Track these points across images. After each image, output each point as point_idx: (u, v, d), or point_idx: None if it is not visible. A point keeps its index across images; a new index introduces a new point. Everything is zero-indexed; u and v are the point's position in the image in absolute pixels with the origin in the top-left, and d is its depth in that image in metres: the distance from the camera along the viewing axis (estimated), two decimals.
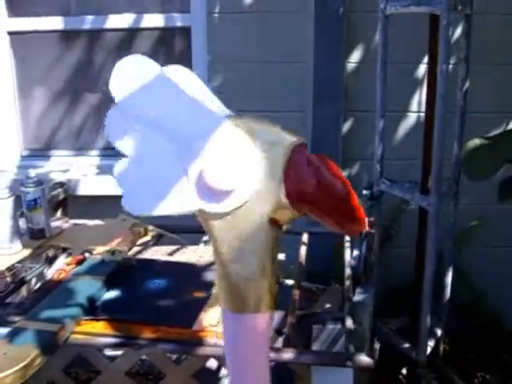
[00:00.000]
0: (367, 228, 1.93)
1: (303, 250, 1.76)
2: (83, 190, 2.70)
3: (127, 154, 0.85)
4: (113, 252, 1.67)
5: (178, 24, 2.65)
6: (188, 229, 2.03)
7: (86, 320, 1.41)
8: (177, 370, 1.50)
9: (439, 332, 2.40)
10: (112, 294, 1.52)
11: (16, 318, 1.41)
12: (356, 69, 2.56)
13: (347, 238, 1.84)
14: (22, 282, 1.71)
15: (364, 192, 2.22)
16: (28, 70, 2.81)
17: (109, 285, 1.55)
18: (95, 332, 1.36)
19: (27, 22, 2.71)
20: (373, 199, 2.23)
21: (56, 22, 2.70)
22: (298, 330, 1.40)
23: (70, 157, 2.86)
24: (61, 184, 2.43)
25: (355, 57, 2.55)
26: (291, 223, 0.91)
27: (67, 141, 2.87)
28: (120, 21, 2.68)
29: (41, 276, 1.75)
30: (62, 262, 1.79)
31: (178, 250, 1.80)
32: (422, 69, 2.51)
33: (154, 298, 1.50)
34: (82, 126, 2.85)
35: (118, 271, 1.61)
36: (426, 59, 2.21)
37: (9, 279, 1.68)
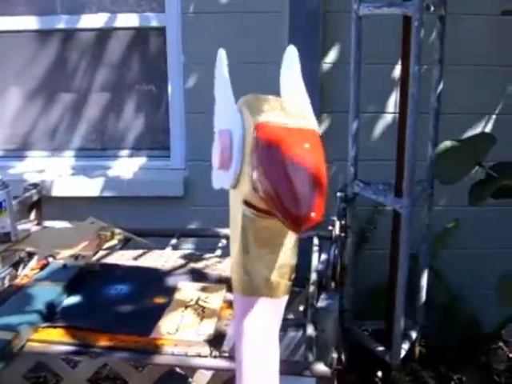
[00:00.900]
0: (337, 231, 1.92)
1: None
2: (58, 191, 2.67)
3: None
4: (76, 257, 1.65)
5: (153, 24, 2.62)
6: (156, 232, 2.02)
7: (43, 327, 1.38)
8: (139, 377, 1.48)
9: (414, 334, 2.39)
10: (72, 300, 1.50)
11: None
12: (331, 69, 2.54)
13: (315, 241, 1.82)
14: None
15: (338, 194, 2.21)
16: (1, 70, 2.78)
17: (70, 291, 1.52)
18: (51, 340, 1.34)
19: (0, 22, 2.68)
20: (347, 201, 2.22)
21: (30, 22, 2.67)
22: None
23: (44, 157, 2.83)
24: (35, 185, 2.41)
25: (331, 57, 2.53)
26: None
27: (42, 141, 2.83)
28: (94, 20, 2.65)
29: (4, 281, 1.72)
30: (27, 266, 1.76)
31: (143, 254, 1.78)
32: (399, 69, 2.49)
33: (114, 304, 1.48)
34: (57, 127, 2.82)
35: (80, 276, 1.59)
36: None
37: None
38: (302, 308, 1.77)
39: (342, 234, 1.95)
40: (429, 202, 2.30)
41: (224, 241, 1.97)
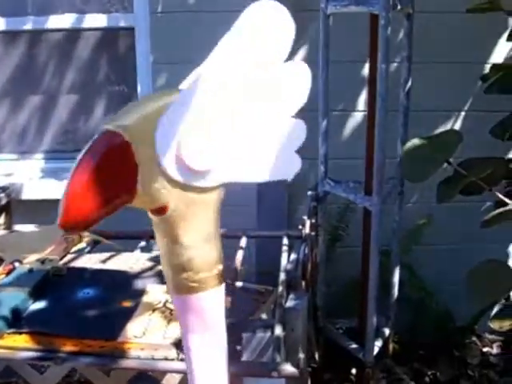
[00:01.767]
0: (307, 230, 1.92)
1: (240, 254, 1.73)
2: (28, 195, 2.64)
3: None
4: (43, 261, 1.63)
5: (122, 24, 2.60)
6: (125, 234, 2.00)
7: (8, 333, 1.36)
8: (107, 381, 1.46)
9: (387, 331, 2.40)
10: (38, 306, 1.48)
11: None
12: None
13: (285, 241, 1.82)
14: None
15: (308, 193, 2.21)
16: None
17: (36, 296, 1.50)
18: (17, 346, 1.32)
19: None
20: (317, 200, 2.22)
21: None
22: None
23: (13, 160, 2.79)
24: (3, 188, 2.38)
25: (300, 56, 2.53)
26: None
27: (11, 144, 2.80)
28: (63, 21, 2.62)
29: None
30: None
31: (111, 257, 1.76)
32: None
33: (81, 308, 1.46)
34: (26, 129, 2.79)
35: (47, 281, 1.57)
36: None
37: None
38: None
39: (313, 233, 1.95)
40: (399, 199, 2.31)
41: None
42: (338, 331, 2.45)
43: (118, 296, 1.50)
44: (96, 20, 2.62)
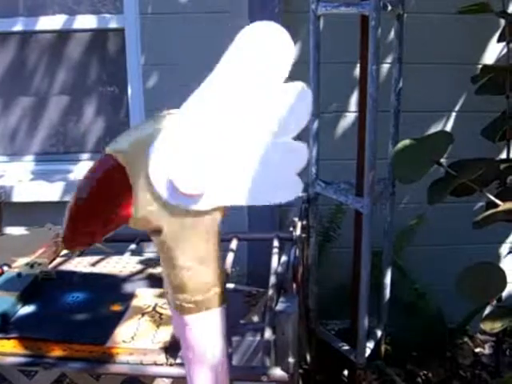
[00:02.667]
0: (298, 231, 1.91)
1: (230, 256, 1.72)
2: (18, 197, 2.63)
3: None
4: (32, 265, 1.61)
5: (112, 25, 2.59)
6: (115, 237, 1.99)
7: None
8: None
9: (379, 332, 2.40)
10: (27, 310, 1.46)
11: None
12: (292, 69, 2.52)
13: (275, 243, 1.81)
14: None
15: (299, 194, 2.20)
16: None
17: (25, 300, 1.49)
18: (4, 352, 1.31)
19: None
20: (308, 202, 2.22)
21: None
22: None
23: (3, 163, 2.78)
24: None
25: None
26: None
27: (0, 146, 2.79)
28: (53, 22, 2.62)
29: None
30: None
31: (101, 260, 1.75)
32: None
33: (69, 312, 1.44)
34: (16, 131, 2.77)
35: (36, 285, 1.56)
36: None
37: None
38: None
39: (304, 235, 1.94)
40: (391, 200, 2.30)
41: None
42: (330, 333, 2.45)
43: (107, 300, 1.49)
44: (86, 21, 2.61)
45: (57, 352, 1.29)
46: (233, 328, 1.42)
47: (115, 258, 1.77)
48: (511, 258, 2.61)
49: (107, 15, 2.60)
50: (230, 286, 1.90)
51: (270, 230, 1.95)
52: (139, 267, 1.68)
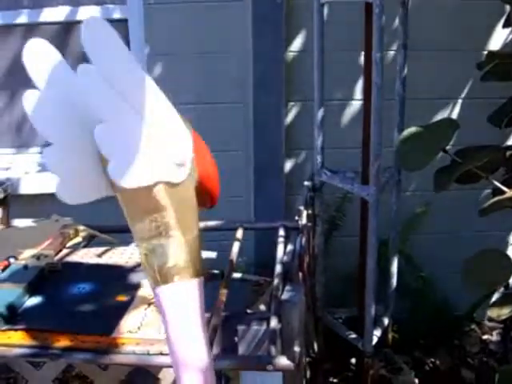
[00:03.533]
0: (304, 220, 1.91)
1: (236, 246, 1.71)
2: (25, 189, 2.64)
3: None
4: (38, 257, 1.62)
5: (115, 16, 2.59)
6: (120, 228, 1.99)
7: (3, 330, 1.36)
8: (104, 376, 1.46)
9: (386, 320, 2.40)
10: (34, 302, 1.46)
11: None
12: (297, 58, 2.53)
13: (281, 232, 1.80)
14: None
15: (305, 183, 2.20)
16: None
17: (31, 292, 1.49)
18: (11, 343, 1.31)
19: None
20: (314, 190, 2.21)
21: None
22: (222, 331, 1.37)
23: (10, 155, 2.79)
24: (0, 183, 2.37)
25: (296, 46, 2.52)
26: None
27: (7, 138, 2.79)
28: (56, 14, 2.61)
29: None
30: None
31: (107, 251, 1.75)
32: None
33: (76, 303, 1.45)
34: (22, 123, 2.77)
35: (42, 277, 1.56)
36: None
37: None
38: None
39: (310, 224, 1.94)
40: (397, 188, 2.30)
41: None
42: (337, 321, 2.45)
43: (113, 291, 1.49)
44: (89, 12, 2.60)
45: (63, 343, 1.29)
46: (239, 317, 1.42)
47: (120, 249, 1.77)
48: None
49: (110, 6, 2.59)
50: (237, 275, 1.90)
51: (276, 219, 1.94)
52: None
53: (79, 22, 2.39)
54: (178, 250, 0.88)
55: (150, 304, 1.43)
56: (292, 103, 2.58)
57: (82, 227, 1.86)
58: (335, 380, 2.52)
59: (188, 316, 0.88)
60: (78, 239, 1.84)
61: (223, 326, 1.39)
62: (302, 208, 1.93)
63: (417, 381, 2.48)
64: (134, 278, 1.57)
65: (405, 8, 2.11)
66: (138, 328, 1.33)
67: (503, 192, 1.71)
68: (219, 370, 1.40)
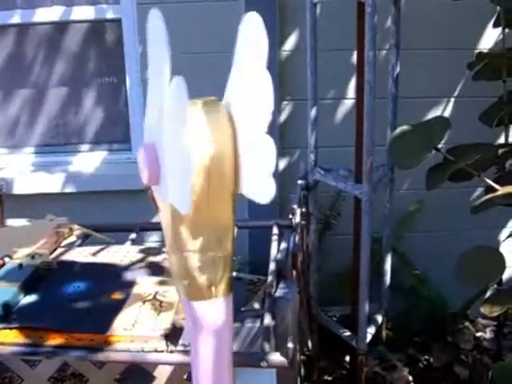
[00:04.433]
0: (297, 219, 1.92)
1: None
2: (19, 189, 2.64)
3: None
4: (33, 256, 1.63)
5: (109, 16, 2.59)
6: (115, 227, 2.01)
7: None
8: (99, 373, 1.47)
9: (380, 318, 2.41)
10: (29, 300, 1.47)
11: None
12: (290, 57, 2.53)
13: (275, 230, 1.81)
14: None
15: (299, 182, 2.21)
16: None
17: (26, 290, 1.50)
18: (6, 342, 1.32)
19: None
20: (308, 189, 2.22)
21: None
22: None
23: (4, 155, 2.79)
24: None
25: (289, 45, 2.52)
26: None
27: (1, 138, 2.79)
28: (50, 14, 2.61)
29: None
30: None
31: (102, 249, 1.76)
32: None
33: (71, 302, 1.46)
34: (16, 123, 2.78)
35: (37, 275, 1.57)
36: None
37: None
38: None
39: (303, 222, 1.95)
40: (390, 186, 2.31)
41: None
42: (331, 319, 2.46)
43: (108, 289, 1.50)
44: (83, 12, 2.60)
45: (58, 341, 1.30)
46: (233, 314, 1.43)
47: (115, 248, 1.78)
48: (510, 241, 2.61)
49: (104, 6, 2.60)
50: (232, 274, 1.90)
51: (270, 217, 1.95)
52: (139, 256, 1.70)
53: (73, 22, 2.39)
54: (226, 265, 0.96)
55: (144, 302, 1.44)
56: (285, 102, 2.58)
57: (76, 226, 1.87)
58: (329, 378, 2.52)
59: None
60: (73, 238, 1.85)
61: None
62: (295, 206, 1.94)
63: (411, 378, 2.49)
64: (129, 276, 1.58)
65: (397, 7, 2.12)
66: (133, 325, 1.34)
67: (495, 190, 1.72)
68: None
